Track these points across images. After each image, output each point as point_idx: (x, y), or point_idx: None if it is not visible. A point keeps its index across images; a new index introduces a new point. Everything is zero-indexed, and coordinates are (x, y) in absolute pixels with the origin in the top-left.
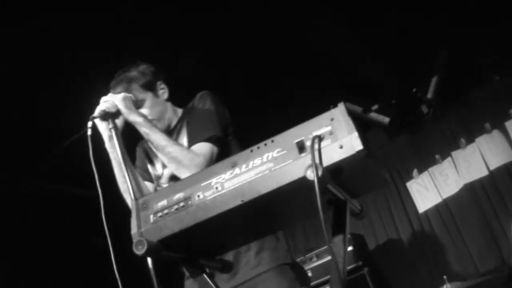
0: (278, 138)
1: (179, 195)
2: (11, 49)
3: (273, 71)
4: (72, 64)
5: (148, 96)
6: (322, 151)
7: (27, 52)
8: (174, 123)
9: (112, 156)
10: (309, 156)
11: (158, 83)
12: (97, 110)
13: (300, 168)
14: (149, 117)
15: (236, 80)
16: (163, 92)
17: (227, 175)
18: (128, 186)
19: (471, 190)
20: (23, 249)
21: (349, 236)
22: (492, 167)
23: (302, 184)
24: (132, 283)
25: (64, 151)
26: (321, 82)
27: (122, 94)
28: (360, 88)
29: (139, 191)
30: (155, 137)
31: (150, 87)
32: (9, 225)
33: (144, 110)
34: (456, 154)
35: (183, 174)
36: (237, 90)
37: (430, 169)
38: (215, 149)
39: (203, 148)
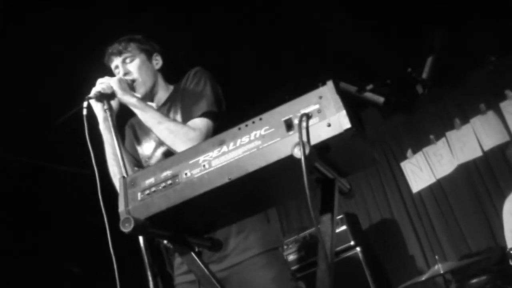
0: (266, 116)
1: (167, 173)
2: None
3: (267, 49)
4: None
5: (141, 57)
6: (310, 129)
7: (24, 30)
8: (164, 97)
9: (105, 138)
10: (297, 134)
11: (155, 54)
12: (93, 91)
13: (287, 146)
14: (134, 75)
15: (230, 58)
16: (157, 63)
17: (215, 153)
18: (121, 165)
19: (465, 170)
20: (16, 226)
21: (342, 216)
22: (486, 148)
23: (289, 162)
24: (131, 261)
25: (58, 129)
26: (315, 61)
27: (118, 77)
28: (355, 67)
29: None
30: (149, 116)
31: (146, 52)
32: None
33: (130, 66)
34: (450, 134)
35: (179, 149)
36: (231, 68)
37: (424, 149)
38: (211, 124)
39: (199, 123)
